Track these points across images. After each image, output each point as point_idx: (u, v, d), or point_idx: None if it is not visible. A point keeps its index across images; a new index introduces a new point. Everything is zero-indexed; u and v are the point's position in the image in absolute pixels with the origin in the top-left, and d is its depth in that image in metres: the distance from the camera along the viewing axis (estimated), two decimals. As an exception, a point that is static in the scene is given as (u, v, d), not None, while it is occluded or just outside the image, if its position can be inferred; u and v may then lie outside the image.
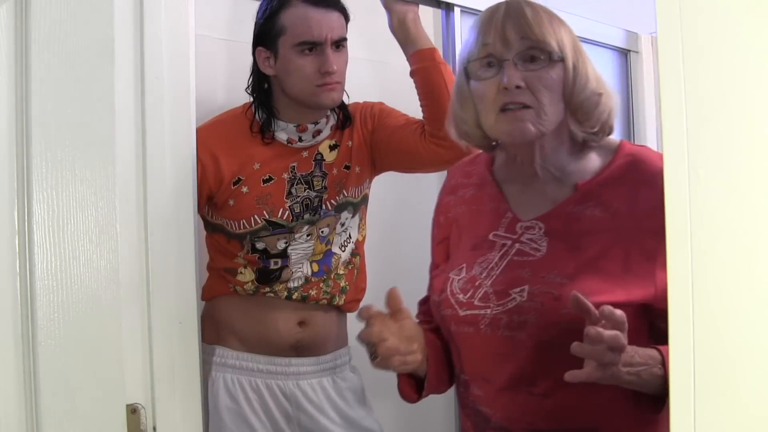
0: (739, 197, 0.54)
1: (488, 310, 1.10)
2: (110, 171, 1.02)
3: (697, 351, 0.55)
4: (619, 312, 0.94)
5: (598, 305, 0.96)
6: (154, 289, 1.09)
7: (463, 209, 1.25)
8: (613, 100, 1.15)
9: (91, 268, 1.00)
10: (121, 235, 1.02)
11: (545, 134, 1.10)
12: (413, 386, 1.22)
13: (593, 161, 1.15)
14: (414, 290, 2.20)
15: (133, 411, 1.05)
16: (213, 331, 1.65)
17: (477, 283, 1.13)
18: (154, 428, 1.07)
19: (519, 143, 1.13)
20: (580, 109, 1.11)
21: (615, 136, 1.19)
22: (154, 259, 1.09)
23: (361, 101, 1.76)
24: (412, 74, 1.67)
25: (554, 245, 1.10)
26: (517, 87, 1.08)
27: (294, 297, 1.65)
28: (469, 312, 1.12)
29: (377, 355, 1.12)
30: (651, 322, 1.05)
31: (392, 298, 1.14)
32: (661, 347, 0.99)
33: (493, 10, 1.12)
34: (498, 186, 1.20)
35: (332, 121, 1.67)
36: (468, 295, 1.14)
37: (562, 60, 1.09)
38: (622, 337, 0.94)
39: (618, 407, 1.06)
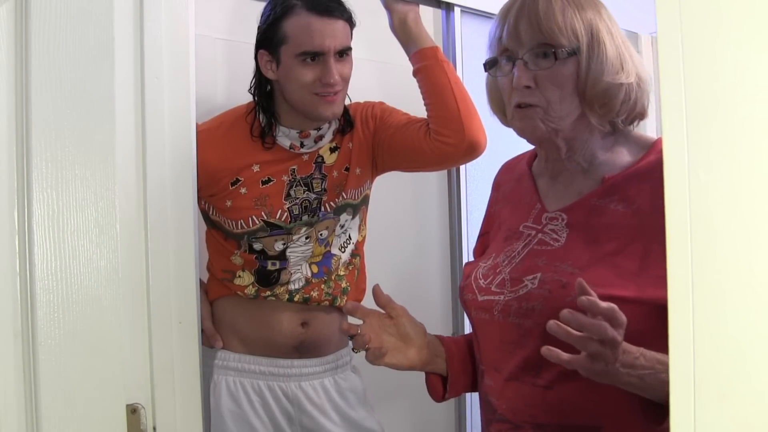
0: (739, 198, 0.54)
1: (502, 296, 1.11)
2: (110, 171, 1.02)
3: (697, 351, 0.55)
4: (608, 304, 0.91)
5: (606, 298, 0.94)
6: (154, 289, 1.09)
7: (503, 204, 1.26)
8: (643, 86, 1.09)
9: (91, 268, 1.00)
10: (121, 235, 1.02)
11: (559, 130, 1.09)
12: (441, 384, 1.24)
13: (624, 155, 1.12)
14: (413, 290, 2.21)
15: (133, 411, 1.05)
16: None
17: (498, 270, 1.14)
18: (154, 428, 1.07)
19: (532, 140, 1.14)
20: (596, 101, 1.08)
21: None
22: (154, 259, 1.09)
23: (361, 101, 1.75)
24: (415, 73, 1.67)
25: (573, 237, 1.10)
26: (526, 87, 1.07)
27: (296, 299, 1.65)
28: (485, 297, 1.13)
29: (358, 349, 1.18)
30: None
31: (376, 296, 1.20)
32: None
33: (510, 3, 1.09)
34: (533, 180, 1.21)
35: (334, 126, 1.67)
36: (488, 280, 1.14)
37: (576, 53, 1.06)
38: (607, 328, 0.90)
39: (622, 409, 1.04)
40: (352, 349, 1.20)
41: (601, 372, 0.94)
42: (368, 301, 1.77)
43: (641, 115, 1.12)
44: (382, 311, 1.22)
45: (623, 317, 0.92)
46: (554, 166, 1.17)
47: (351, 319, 1.27)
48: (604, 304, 0.91)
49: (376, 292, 1.21)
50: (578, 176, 1.14)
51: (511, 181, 1.27)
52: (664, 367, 0.95)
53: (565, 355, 0.93)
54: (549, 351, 0.93)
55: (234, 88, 1.76)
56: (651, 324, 0.98)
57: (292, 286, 1.64)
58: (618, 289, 1.01)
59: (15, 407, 0.97)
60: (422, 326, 1.23)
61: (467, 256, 2.06)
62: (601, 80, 1.06)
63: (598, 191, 1.10)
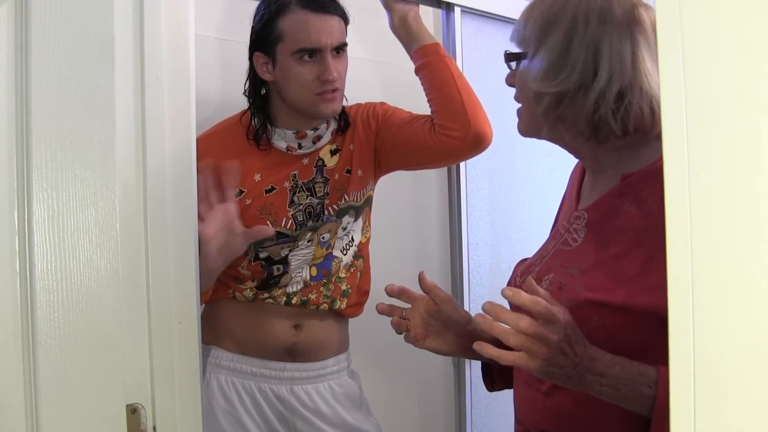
0: (739, 197, 0.54)
1: None
2: (110, 171, 1.02)
3: (697, 352, 0.55)
4: (533, 297, 0.88)
5: (594, 303, 0.94)
6: (154, 289, 1.09)
7: (564, 202, 1.27)
8: (595, 88, 1.01)
9: (91, 268, 1.00)
10: (121, 235, 1.02)
11: (535, 130, 1.11)
12: (491, 375, 1.28)
13: (647, 154, 1.07)
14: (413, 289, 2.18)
15: (133, 411, 1.05)
16: (209, 331, 1.63)
17: (531, 269, 1.15)
18: (154, 428, 1.07)
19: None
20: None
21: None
22: (154, 259, 1.09)
23: (362, 102, 1.75)
24: (418, 70, 1.66)
25: (588, 237, 1.09)
26: (510, 85, 1.12)
27: (293, 302, 1.64)
28: None
29: (398, 330, 1.21)
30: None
31: (421, 281, 1.22)
32: (663, 366, 0.87)
33: None
34: (583, 178, 1.21)
35: (332, 126, 1.66)
36: (522, 279, 1.15)
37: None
38: (527, 321, 0.87)
39: (618, 423, 1.00)
40: (397, 332, 1.22)
41: (557, 375, 0.91)
42: (369, 303, 1.78)
43: (600, 128, 1.03)
44: (425, 296, 1.24)
45: (554, 313, 0.88)
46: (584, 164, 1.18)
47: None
48: (527, 296, 0.89)
49: (422, 278, 1.23)
50: (600, 174, 1.13)
51: (572, 181, 1.27)
52: (645, 380, 0.91)
53: (494, 350, 0.90)
54: (480, 346, 0.91)
55: (234, 88, 1.76)
56: (639, 333, 0.96)
57: (290, 289, 1.63)
58: (606, 293, 0.99)
59: (15, 407, 0.97)
60: (467, 314, 1.25)
61: (467, 256, 2.06)
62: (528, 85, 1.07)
63: (614, 190, 1.09)
